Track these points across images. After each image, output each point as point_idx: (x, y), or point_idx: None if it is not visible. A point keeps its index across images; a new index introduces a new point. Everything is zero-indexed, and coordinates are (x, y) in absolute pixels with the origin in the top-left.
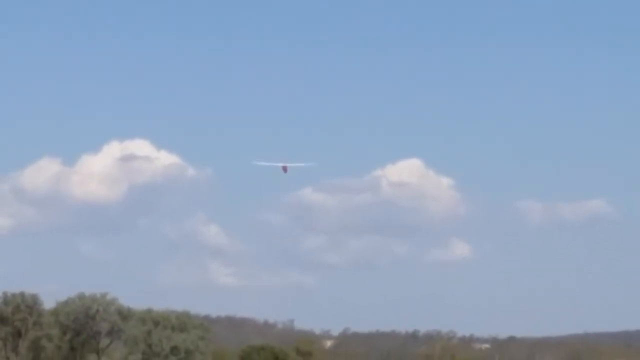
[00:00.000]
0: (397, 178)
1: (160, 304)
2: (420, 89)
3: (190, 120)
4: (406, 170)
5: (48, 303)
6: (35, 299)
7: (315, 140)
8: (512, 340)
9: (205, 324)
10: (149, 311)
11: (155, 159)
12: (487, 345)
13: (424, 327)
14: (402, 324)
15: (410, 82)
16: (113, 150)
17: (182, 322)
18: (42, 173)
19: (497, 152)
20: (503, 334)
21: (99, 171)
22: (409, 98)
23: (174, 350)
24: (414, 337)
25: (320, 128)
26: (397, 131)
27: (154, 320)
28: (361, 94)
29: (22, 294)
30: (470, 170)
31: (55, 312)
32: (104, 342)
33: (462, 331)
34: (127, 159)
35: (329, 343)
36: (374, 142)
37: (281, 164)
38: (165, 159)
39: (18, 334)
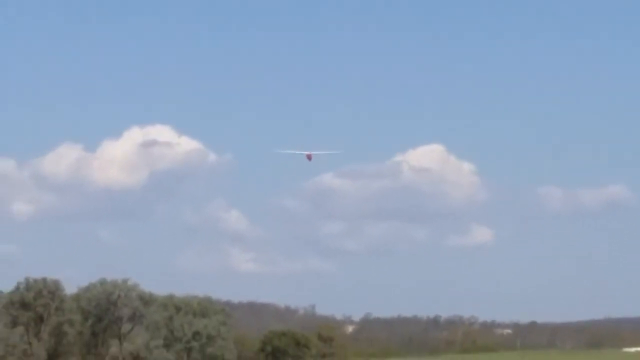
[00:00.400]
0: (418, 163)
1: (181, 289)
2: (442, 74)
3: (211, 106)
4: (427, 156)
5: (69, 289)
6: (57, 284)
7: (336, 126)
8: (533, 325)
9: (227, 310)
10: (171, 297)
11: (176, 144)
12: (509, 331)
13: (445, 312)
14: (424, 310)
15: (432, 67)
16: (134, 136)
17: (203, 308)
18: (62, 159)
19: (518, 138)
20: (524, 319)
21: (120, 157)
22: (431, 83)
23: (196, 335)
24: (435, 322)
25: (341, 113)
26: (419, 117)
27: (176, 306)
28: (383, 79)
29: (44, 280)
30: (491, 156)
31: (77, 298)
32: (126, 327)
33: (484, 317)
34: (148, 144)
35: (350, 328)
36: (395, 127)
37: (305, 152)
38: (187, 144)
39: (40, 320)
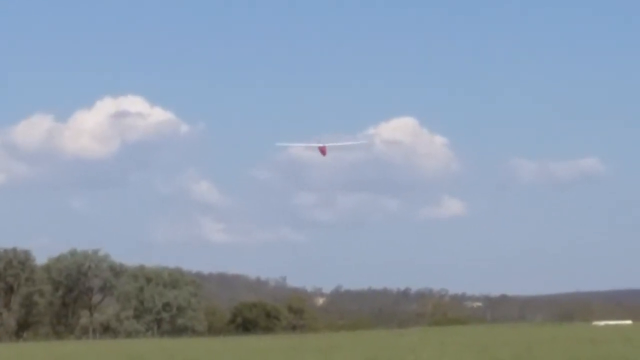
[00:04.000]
0: (390, 136)
1: (152, 260)
2: (414, 47)
3: (184, 77)
4: (400, 129)
5: (40, 259)
6: (27, 254)
7: (308, 98)
8: (503, 298)
9: (197, 281)
10: (141, 268)
11: (149, 115)
12: (479, 304)
13: (415, 285)
14: (394, 282)
15: (404, 40)
16: (106, 106)
17: (174, 279)
18: (34, 129)
19: (491, 111)
20: (495, 292)
21: (92, 127)
22: (403, 56)
23: (166, 306)
24: (405, 294)
25: (312, 86)
26: (391, 89)
27: (146, 277)
28: (354, 52)
29: (14, 250)
30: (463, 129)
31: (47, 268)
32: (96, 298)
33: (454, 289)
34: (120, 115)
35: (321, 300)
36: (368, 100)
37: (318, 144)
38: (159, 115)
39: (10, 290)
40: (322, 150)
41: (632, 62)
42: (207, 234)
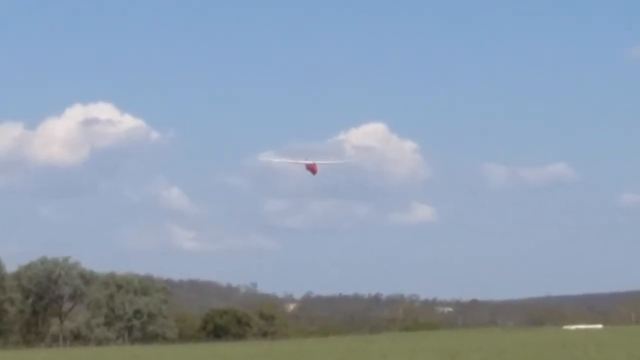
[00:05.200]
0: (360, 142)
1: (122, 267)
2: (384, 52)
3: (155, 84)
4: (370, 135)
5: (10, 267)
6: None
7: (277, 104)
8: (474, 303)
9: (168, 288)
10: (112, 275)
11: (119, 122)
12: (450, 309)
13: (386, 290)
14: (365, 288)
15: (374, 45)
16: (76, 113)
17: (144, 286)
18: (3, 137)
19: (460, 117)
20: (466, 297)
21: (62, 135)
22: (373, 62)
23: (137, 313)
24: (376, 300)
25: (282, 92)
26: (361, 95)
27: (117, 284)
28: (324, 58)
29: None
30: (433, 135)
31: (17, 276)
32: (67, 305)
33: (425, 294)
34: (90, 122)
35: (291, 306)
36: (338, 106)
37: (304, 161)
38: (129, 122)
39: None
40: (312, 169)
41: (601, 68)
42: (177, 241)
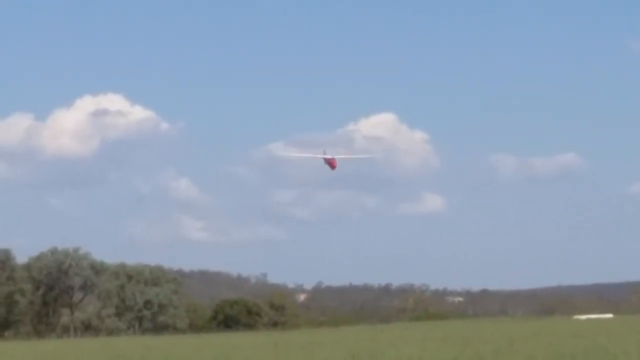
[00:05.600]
0: (370, 132)
1: (132, 258)
2: (394, 43)
3: (165, 74)
4: (380, 125)
5: (20, 258)
6: (7, 253)
7: (287, 95)
8: (484, 293)
9: (178, 278)
10: (122, 265)
11: (129, 113)
12: (460, 299)
13: (397, 280)
14: (375, 278)
15: (384, 36)
16: (86, 104)
17: (155, 277)
18: (13, 128)
19: (470, 107)
20: (476, 287)
21: (72, 126)
22: (382, 53)
23: (147, 304)
24: (386, 290)
25: (292, 83)
26: (371, 86)
27: (127, 275)
28: (334, 47)
29: None
30: (443, 125)
31: (27, 267)
32: (77, 296)
33: (435, 284)
34: (100, 113)
35: (302, 297)
36: (348, 96)
37: (323, 156)
38: (139, 113)
39: None
40: (331, 163)
41: (610, 60)
42: (187, 232)
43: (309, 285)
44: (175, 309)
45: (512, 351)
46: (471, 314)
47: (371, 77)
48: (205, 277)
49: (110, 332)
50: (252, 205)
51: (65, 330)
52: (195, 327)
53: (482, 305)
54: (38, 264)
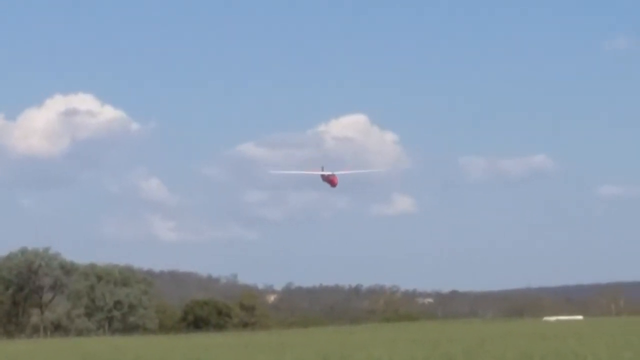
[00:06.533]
0: (341, 133)
1: (102, 258)
2: (364, 44)
3: (135, 74)
4: (350, 126)
5: None
6: None
7: (257, 95)
8: (454, 294)
9: (148, 279)
10: (92, 266)
11: (99, 113)
12: (430, 300)
13: (367, 281)
14: (345, 279)
15: (355, 37)
16: (56, 104)
17: (125, 277)
18: None
19: (441, 108)
20: (446, 288)
21: (42, 126)
22: (353, 53)
23: (117, 304)
24: (357, 291)
25: (262, 83)
26: (342, 86)
27: (97, 275)
28: (305, 48)
29: None
30: (414, 126)
31: None
32: (47, 296)
33: (405, 286)
34: (70, 113)
35: (272, 297)
36: (318, 97)
37: (322, 172)
38: (110, 113)
39: None
40: (332, 180)
41: (580, 60)
42: (157, 232)
43: (279, 286)
44: (145, 310)
45: (482, 352)
46: (441, 315)
47: (342, 78)
48: (175, 278)
49: (80, 333)
50: (223, 205)
51: (35, 331)
52: (165, 328)
53: (452, 306)
54: (8, 263)
